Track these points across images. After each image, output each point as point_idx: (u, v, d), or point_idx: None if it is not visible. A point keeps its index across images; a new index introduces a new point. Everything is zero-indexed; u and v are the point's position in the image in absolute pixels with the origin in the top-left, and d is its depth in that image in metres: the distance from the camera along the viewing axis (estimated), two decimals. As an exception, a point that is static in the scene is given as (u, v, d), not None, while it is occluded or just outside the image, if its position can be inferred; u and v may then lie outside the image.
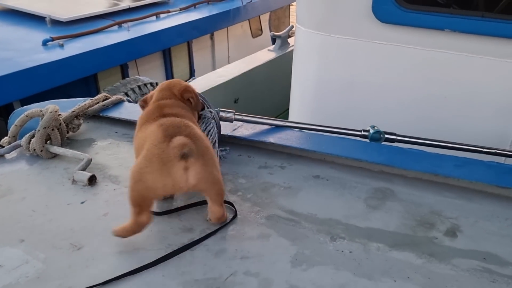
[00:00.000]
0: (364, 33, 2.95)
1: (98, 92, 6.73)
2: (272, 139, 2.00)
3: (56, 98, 2.51)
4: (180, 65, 8.40)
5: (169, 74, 8.06)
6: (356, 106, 3.17)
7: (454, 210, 1.56)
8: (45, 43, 6.30)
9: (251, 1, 9.51)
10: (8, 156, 2.03)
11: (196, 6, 8.60)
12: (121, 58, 7.01)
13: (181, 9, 8.30)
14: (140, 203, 1.40)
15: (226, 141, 2.11)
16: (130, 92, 5.22)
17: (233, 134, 2.07)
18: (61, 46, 6.34)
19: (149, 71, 7.57)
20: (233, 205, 1.62)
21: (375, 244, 1.41)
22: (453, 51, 2.69)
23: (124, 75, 7.27)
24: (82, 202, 1.67)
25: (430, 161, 1.74)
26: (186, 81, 2.32)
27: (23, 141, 2.01)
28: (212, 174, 1.40)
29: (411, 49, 2.86)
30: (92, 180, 1.79)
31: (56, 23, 7.22)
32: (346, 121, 3.12)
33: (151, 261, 1.36)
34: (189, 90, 1.69)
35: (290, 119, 3.65)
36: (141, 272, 1.32)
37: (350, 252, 1.38)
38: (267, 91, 5.81)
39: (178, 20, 7.89)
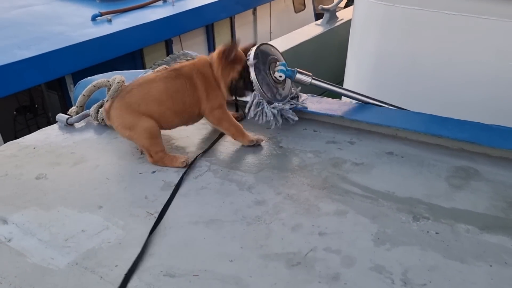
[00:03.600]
0: (433, 2, 2.75)
1: (144, 67, 6.83)
2: (340, 112, 1.92)
3: (104, 73, 2.52)
4: (222, 41, 8.33)
5: (211, 50, 8.00)
6: (418, 82, 2.99)
7: (551, 193, 1.43)
8: (94, 18, 6.43)
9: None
10: (77, 125, 2.08)
11: (240, -20, 8.45)
12: (166, 33, 7.05)
13: (225, -17, 8.17)
14: None
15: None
16: (179, 67, 5.23)
17: (297, 108, 2.00)
18: (109, 21, 6.44)
19: (192, 47, 7.57)
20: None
21: (463, 225, 1.32)
22: (536, 22, 2.45)
23: (169, 50, 7.32)
24: (153, 172, 1.68)
25: (521, 139, 1.60)
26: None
27: (92, 110, 2.04)
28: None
29: (484, 20, 2.64)
30: (161, 151, 1.80)
31: (104, -2, 7.34)
32: (407, 98, 2.97)
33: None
34: (223, 51, 1.76)
35: (344, 94, 3.52)
36: (219, 244, 1.31)
37: (437, 233, 1.30)
38: (315, 66, 5.63)
39: (221, -5, 7.80)
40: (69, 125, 2.07)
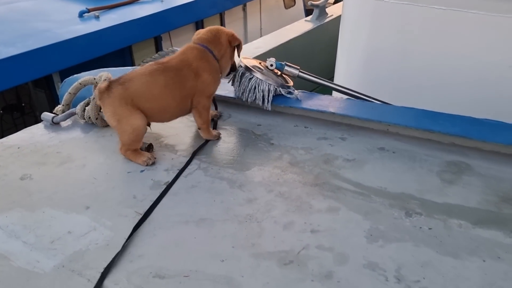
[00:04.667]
0: (422, -3, 2.74)
1: (133, 64, 6.75)
2: (331, 108, 1.90)
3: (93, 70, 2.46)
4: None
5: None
6: (409, 77, 2.99)
7: (542, 186, 1.43)
8: (81, 14, 6.32)
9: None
10: (63, 124, 2.03)
11: (230, -25, 8.38)
12: (155, 29, 6.95)
13: (215, -21, 8.09)
14: None
15: (280, 111, 2.03)
16: (168, 64, 5.17)
17: (289, 104, 1.98)
18: (97, 17, 6.34)
19: (182, 43, 7.40)
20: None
21: (456, 220, 1.32)
22: (525, 16, 2.46)
23: (158, 47, 7.23)
24: (142, 171, 1.65)
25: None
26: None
27: (78, 109, 2.00)
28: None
29: (474, 14, 2.64)
30: (149, 149, 1.76)
31: (91, -6, 7.22)
32: (398, 94, 2.97)
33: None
34: (236, 37, 1.87)
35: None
36: (210, 243, 1.28)
37: (429, 228, 1.29)
38: (305, 62, 5.61)
39: (212, -10, 7.74)
40: (54, 124, 2.02)
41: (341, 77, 3.56)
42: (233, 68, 1.96)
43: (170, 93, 1.71)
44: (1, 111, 6.26)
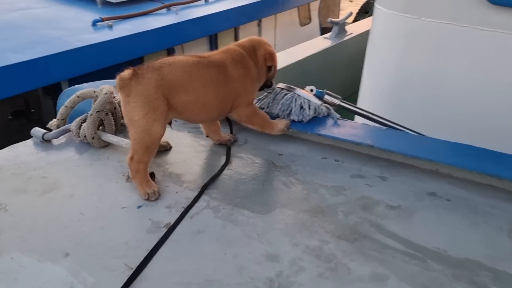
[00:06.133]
0: (466, 16, 2.45)
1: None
2: (369, 140, 1.60)
3: (103, 80, 2.23)
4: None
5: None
6: (445, 104, 2.69)
7: None
8: (94, 23, 6.19)
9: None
10: (55, 141, 1.75)
11: (246, -9, 8.27)
12: (169, 41, 6.80)
13: (230, -6, 7.99)
14: None
15: (306, 139, 1.74)
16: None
17: (316, 132, 1.69)
18: (110, 27, 6.19)
19: (195, 56, 7.31)
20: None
21: (547, 305, 1.00)
22: None
23: (170, 59, 7.07)
24: (139, 207, 1.36)
25: None
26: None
27: (73, 125, 1.72)
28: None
29: (522, 37, 2.35)
30: (151, 178, 1.47)
31: (106, 3, 7.13)
32: (430, 123, 2.66)
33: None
34: (273, 58, 1.64)
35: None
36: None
37: (513, 315, 0.97)
38: (322, 81, 5.37)
39: (226, 5, 7.63)
40: (45, 142, 1.75)
41: (365, 100, 3.27)
42: (268, 84, 1.73)
43: (214, 89, 1.50)
44: (10, 117, 6.10)
